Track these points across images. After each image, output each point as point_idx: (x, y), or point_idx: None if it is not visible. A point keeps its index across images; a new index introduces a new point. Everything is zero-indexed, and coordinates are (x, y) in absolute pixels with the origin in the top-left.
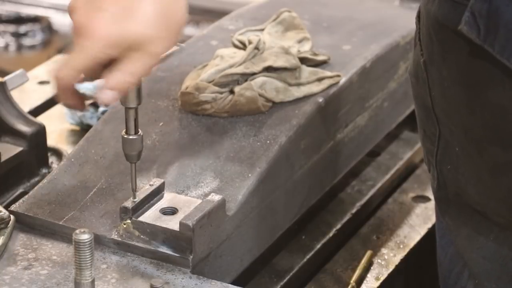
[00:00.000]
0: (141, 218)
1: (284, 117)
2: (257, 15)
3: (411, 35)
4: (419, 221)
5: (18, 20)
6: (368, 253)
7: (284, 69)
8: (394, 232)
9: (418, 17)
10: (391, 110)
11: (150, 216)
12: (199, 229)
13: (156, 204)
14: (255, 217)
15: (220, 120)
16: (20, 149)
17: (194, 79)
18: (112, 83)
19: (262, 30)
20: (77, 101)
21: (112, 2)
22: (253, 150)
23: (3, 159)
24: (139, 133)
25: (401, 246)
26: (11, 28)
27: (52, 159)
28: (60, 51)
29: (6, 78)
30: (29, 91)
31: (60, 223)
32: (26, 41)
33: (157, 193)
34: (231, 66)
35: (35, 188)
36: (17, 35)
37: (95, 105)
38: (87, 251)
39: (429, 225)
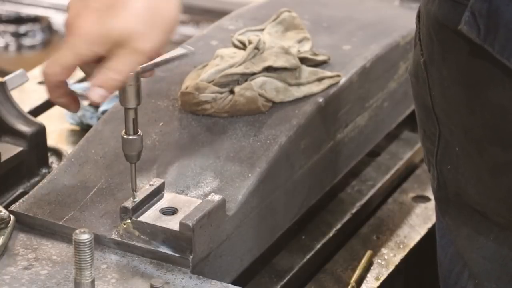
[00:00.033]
0: (141, 218)
1: (284, 117)
2: (257, 15)
3: (411, 35)
4: (419, 221)
5: (18, 20)
6: (368, 253)
7: (284, 69)
8: (394, 232)
9: (418, 17)
10: (391, 110)
11: (150, 216)
12: (199, 229)
13: (156, 204)
14: (255, 217)
15: (220, 120)
16: (20, 149)
17: (194, 79)
18: (98, 80)
19: (262, 30)
20: (69, 100)
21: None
22: (253, 150)
23: (3, 159)
24: (138, 133)
25: (401, 246)
26: (11, 28)
27: (52, 159)
28: None
29: (6, 78)
30: (29, 91)
31: (60, 223)
32: (26, 41)
33: (157, 193)
34: (231, 66)
35: (35, 188)
36: (17, 35)
37: (95, 105)
38: (87, 251)
39: (429, 225)
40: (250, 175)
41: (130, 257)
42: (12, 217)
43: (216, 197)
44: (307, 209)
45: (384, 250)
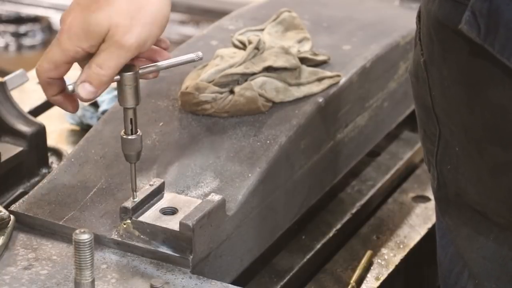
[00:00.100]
0: (141, 218)
1: (284, 117)
2: (257, 15)
3: (411, 35)
4: (419, 221)
5: (18, 20)
6: (368, 253)
7: (284, 69)
8: (394, 232)
9: (419, 17)
10: (391, 110)
11: (150, 216)
12: (199, 229)
13: (156, 204)
14: (255, 217)
15: (220, 120)
16: (20, 149)
17: (194, 79)
18: (84, 76)
19: (262, 30)
20: (65, 99)
21: None
22: (253, 150)
23: (3, 159)
24: (138, 133)
25: (401, 246)
26: (11, 28)
27: (52, 159)
28: None
29: (6, 78)
30: (29, 91)
31: (60, 223)
32: (26, 41)
33: (157, 193)
34: (231, 66)
35: (35, 188)
36: (17, 35)
37: (95, 105)
38: (87, 251)
39: (429, 225)
40: (250, 175)
41: (130, 257)
42: (12, 217)
43: (216, 197)
44: (307, 209)
45: (384, 250)
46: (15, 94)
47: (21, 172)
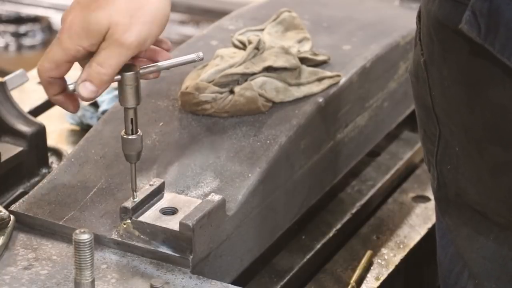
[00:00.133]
0: (141, 218)
1: (284, 117)
2: (257, 15)
3: (411, 35)
4: (419, 221)
5: (18, 20)
6: (368, 253)
7: (284, 69)
8: (394, 232)
9: (419, 17)
10: (391, 110)
11: (150, 216)
12: (199, 229)
13: (156, 204)
14: (255, 217)
15: (220, 120)
16: (20, 149)
17: (194, 79)
18: (85, 75)
19: (262, 30)
20: (67, 99)
21: None
22: (253, 150)
23: (3, 159)
24: (138, 133)
25: (401, 246)
26: (11, 28)
27: (52, 159)
28: None
29: (6, 78)
30: (29, 91)
31: (60, 223)
32: (26, 41)
33: (157, 193)
34: (231, 66)
35: (35, 188)
36: (17, 35)
37: (95, 105)
38: (87, 251)
39: (429, 225)
40: (250, 175)
41: (130, 257)
42: (12, 217)
43: (216, 197)
44: (307, 209)
45: (384, 250)
46: (15, 94)
47: (21, 172)
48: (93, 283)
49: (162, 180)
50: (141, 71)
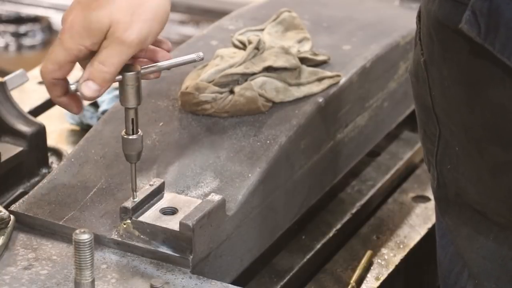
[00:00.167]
0: (141, 218)
1: (284, 117)
2: (257, 15)
3: (411, 35)
4: (419, 221)
5: (18, 20)
6: (368, 253)
7: (284, 69)
8: (394, 232)
9: (419, 16)
10: (391, 110)
11: (150, 216)
12: (199, 229)
13: (156, 204)
14: (255, 217)
15: (220, 120)
16: (20, 149)
17: (194, 79)
18: (87, 73)
19: (262, 30)
20: (70, 100)
21: None
22: (253, 150)
23: (3, 159)
24: (139, 133)
25: (401, 246)
26: (11, 28)
27: (52, 159)
28: None
29: (6, 78)
30: (29, 91)
31: (60, 223)
32: (26, 41)
33: (157, 193)
34: (231, 66)
35: (35, 188)
36: (17, 35)
37: (95, 105)
38: (87, 251)
39: (429, 225)
40: (250, 175)
41: (130, 257)
42: (12, 217)
43: (216, 197)
44: (307, 209)
45: (384, 250)
46: (15, 94)
47: (21, 172)
48: (93, 283)
49: (162, 180)
50: (141, 71)
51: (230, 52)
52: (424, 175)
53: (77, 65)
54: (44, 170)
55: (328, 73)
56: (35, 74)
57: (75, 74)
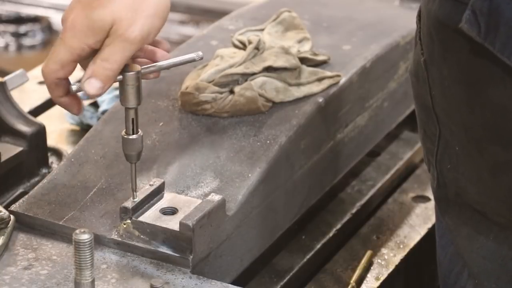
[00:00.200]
0: (141, 218)
1: (284, 117)
2: (257, 15)
3: (411, 35)
4: (419, 221)
5: (18, 20)
6: (368, 253)
7: (284, 69)
8: (394, 232)
9: (419, 16)
10: (391, 110)
11: (150, 216)
12: (199, 229)
13: (156, 204)
14: (255, 217)
15: (220, 120)
16: (20, 149)
17: (194, 79)
18: (90, 71)
19: (262, 30)
20: (71, 101)
21: None
22: (253, 150)
23: (3, 159)
24: (139, 133)
25: (401, 246)
26: (11, 28)
27: (52, 159)
28: None
29: (6, 78)
30: (29, 91)
31: (60, 223)
32: (26, 41)
33: (157, 193)
34: (231, 66)
35: (35, 188)
36: (17, 35)
37: (95, 105)
38: (87, 251)
39: (429, 225)
40: (250, 175)
41: (130, 257)
42: (12, 217)
43: (216, 197)
44: (307, 209)
45: (384, 250)
46: (15, 94)
47: (21, 172)
48: (93, 283)
49: (162, 180)
50: (141, 71)
51: (230, 52)
52: (424, 175)
53: (77, 65)
54: (44, 170)
55: (328, 73)
56: (35, 74)
57: (75, 75)
